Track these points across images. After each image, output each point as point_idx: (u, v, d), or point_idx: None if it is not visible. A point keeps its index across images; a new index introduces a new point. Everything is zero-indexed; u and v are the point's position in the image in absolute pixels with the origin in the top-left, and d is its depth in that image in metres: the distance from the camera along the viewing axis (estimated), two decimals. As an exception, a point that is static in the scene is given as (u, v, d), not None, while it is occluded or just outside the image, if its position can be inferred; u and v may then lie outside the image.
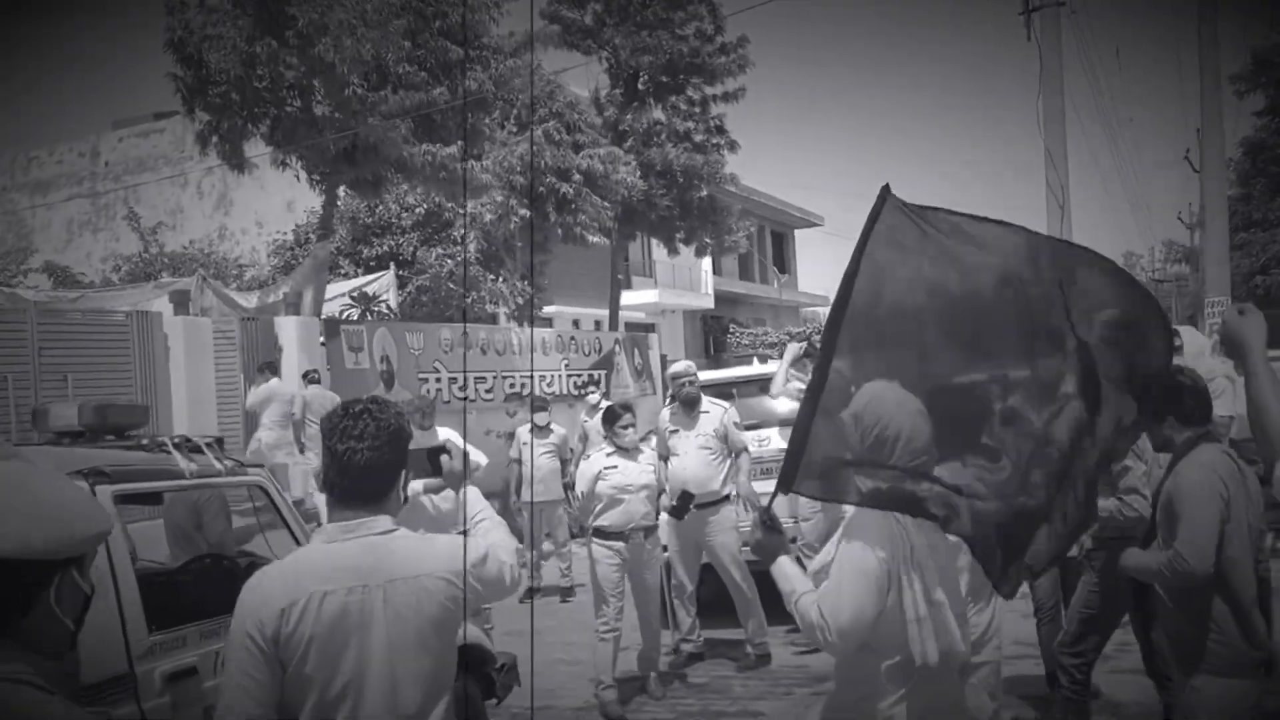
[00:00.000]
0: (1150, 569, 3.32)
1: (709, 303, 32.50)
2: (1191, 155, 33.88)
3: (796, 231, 42.06)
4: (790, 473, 2.69)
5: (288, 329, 13.07)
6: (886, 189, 2.72)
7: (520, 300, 18.05)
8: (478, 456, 7.50)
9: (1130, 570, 3.45)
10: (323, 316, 13.95)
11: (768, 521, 2.90)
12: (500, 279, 18.61)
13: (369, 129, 12.74)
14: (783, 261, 40.47)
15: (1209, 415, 3.43)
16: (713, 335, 32.91)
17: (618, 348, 19.45)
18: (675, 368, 7.35)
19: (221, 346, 12.57)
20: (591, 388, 11.20)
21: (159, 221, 24.56)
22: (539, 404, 10.18)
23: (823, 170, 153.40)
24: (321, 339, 13.23)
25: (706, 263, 31.25)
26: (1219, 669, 3.15)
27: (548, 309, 23.72)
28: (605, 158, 18.42)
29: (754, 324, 33.66)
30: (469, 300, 17.30)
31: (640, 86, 21.21)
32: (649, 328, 27.89)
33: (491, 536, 2.68)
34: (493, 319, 18.81)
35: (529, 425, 9.95)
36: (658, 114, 21.24)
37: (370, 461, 2.35)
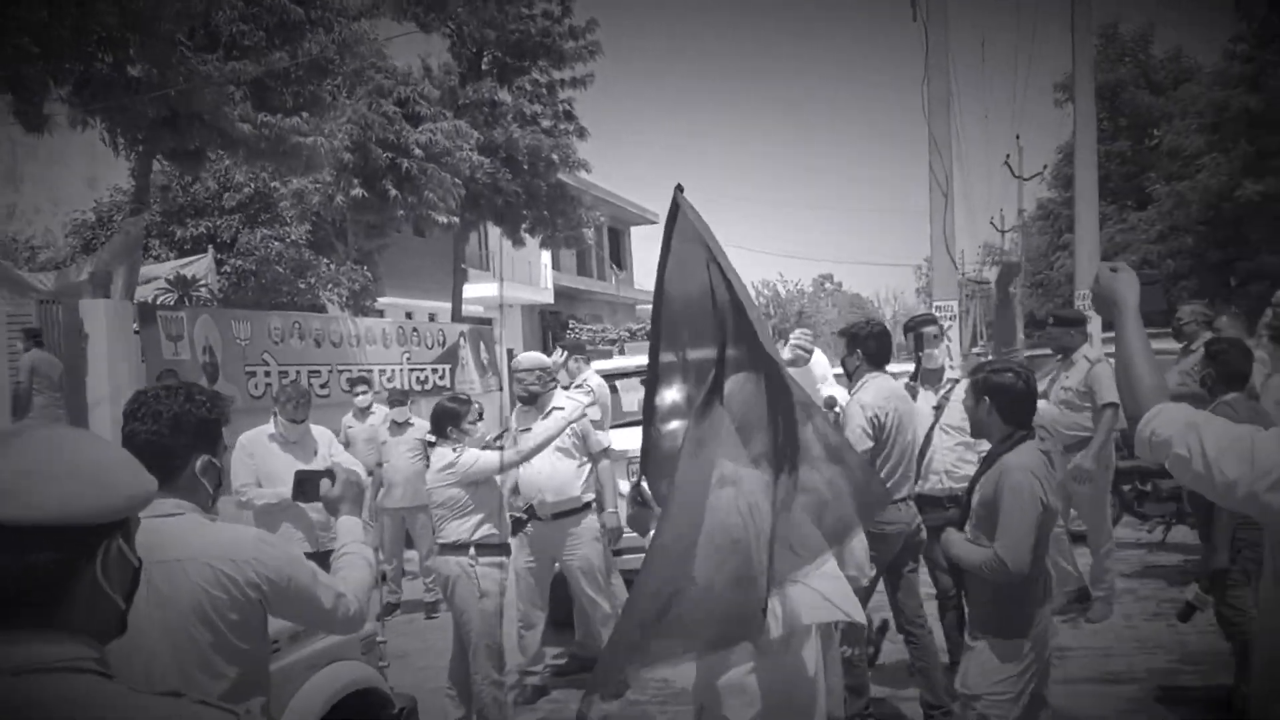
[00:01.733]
0: (971, 563, 3.55)
1: (549, 297, 31.66)
2: (1012, 161, 35.37)
3: (633, 228, 41.65)
4: (644, 462, 3.18)
5: (95, 313, 11.49)
6: (679, 190, 2.97)
7: (355, 287, 16.75)
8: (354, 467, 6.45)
9: (951, 557, 3.70)
10: (135, 301, 12.38)
11: (639, 498, 3.26)
12: (331, 264, 17.24)
13: (197, 98, 11.27)
14: (620, 258, 40.00)
15: (1031, 416, 3.66)
16: (551, 331, 32.07)
17: (463, 341, 18.39)
18: (520, 360, 6.38)
19: (16, 333, 10.90)
20: (361, 387, 9.79)
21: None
22: (398, 398, 9.16)
23: (665, 165, 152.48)
24: (135, 326, 11.75)
25: (546, 257, 30.43)
26: (1000, 632, 3.51)
27: (381, 300, 22.33)
28: (449, 132, 17.29)
29: (592, 320, 33.01)
30: (301, 286, 15.92)
31: (484, 66, 20.18)
32: (487, 322, 26.85)
33: (346, 571, 2.69)
34: (323, 307, 17.43)
35: (388, 423, 8.92)
36: (503, 95, 20.24)
37: (148, 443, 2.37)
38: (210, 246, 16.43)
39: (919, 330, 6.02)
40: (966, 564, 3.58)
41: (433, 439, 5.68)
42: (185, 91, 10.91)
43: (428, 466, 7.80)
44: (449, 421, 5.39)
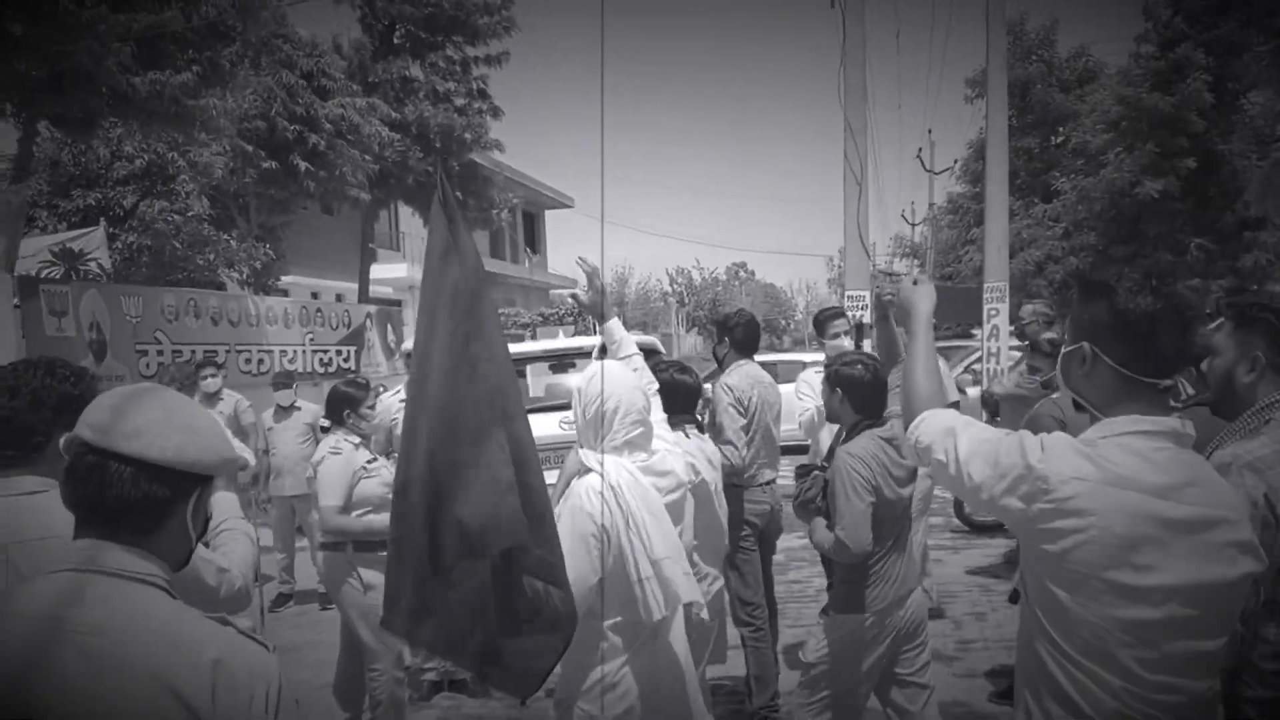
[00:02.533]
0: (824, 547, 3.76)
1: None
2: (924, 155, 35.89)
3: (548, 212, 41.25)
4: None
5: (-30, 285, 10.82)
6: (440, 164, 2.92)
7: (257, 264, 16.14)
8: (243, 453, 6.03)
9: (814, 544, 3.89)
10: (16, 274, 11.70)
11: None
12: (233, 240, 16.59)
13: (81, 52, 10.63)
14: (534, 241, 39.57)
15: (881, 407, 3.87)
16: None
17: (369, 322, 17.89)
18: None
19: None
20: (209, 370, 8.87)
21: None
22: (282, 381, 8.75)
23: (578, 148, 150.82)
24: (16, 300, 11.11)
25: (458, 238, 29.92)
26: (840, 608, 3.78)
27: (285, 279, 21.64)
28: (362, 109, 16.76)
29: (505, 304, 32.59)
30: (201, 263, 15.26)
31: (396, 40, 19.63)
32: (396, 303, 26.30)
33: (227, 546, 2.59)
34: (223, 285, 16.77)
35: (273, 408, 8.54)
36: (415, 71, 19.72)
37: (5, 419, 2.34)
38: (102, 219, 15.69)
39: (829, 323, 6.10)
40: (821, 548, 3.82)
41: (326, 424, 5.32)
42: (68, 49, 10.27)
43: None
44: (346, 406, 5.08)
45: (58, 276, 13.40)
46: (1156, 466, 1.93)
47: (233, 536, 2.63)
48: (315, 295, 23.14)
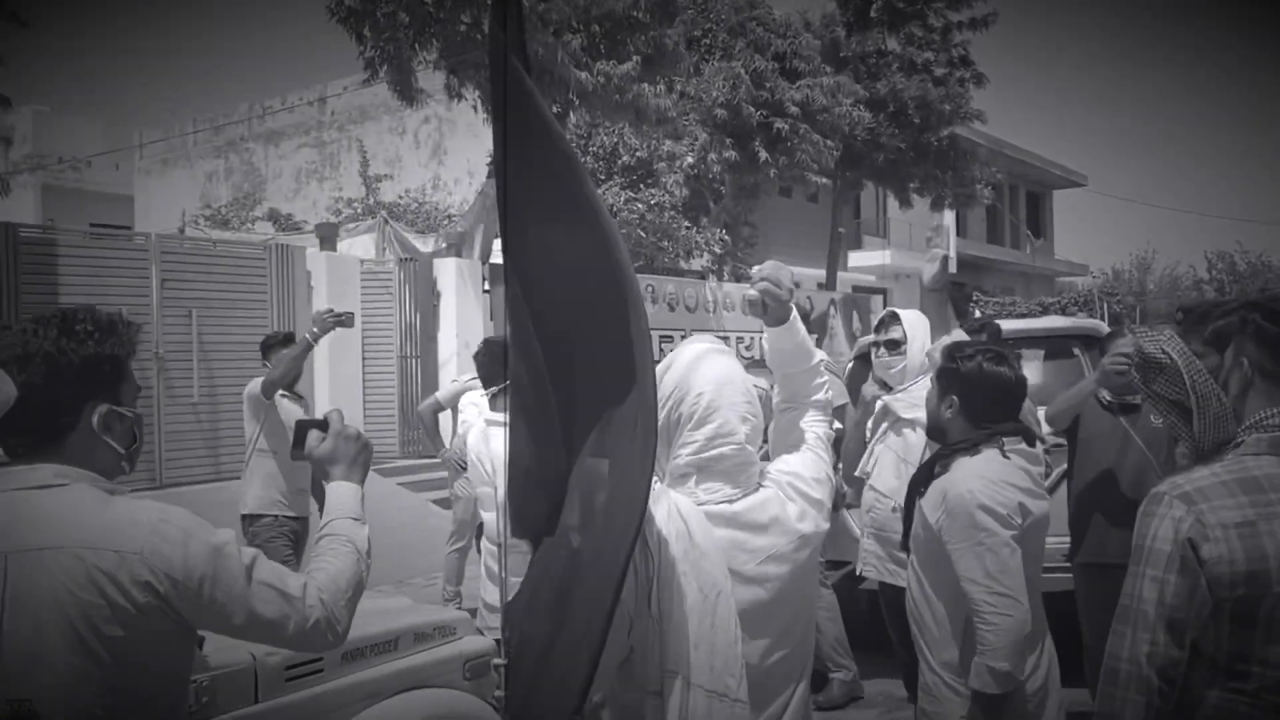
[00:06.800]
0: None
1: (951, 267, 29.46)
2: None
3: (1056, 192, 37.85)
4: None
5: (447, 271, 11.86)
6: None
7: (718, 250, 16.17)
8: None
9: None
10: (489, 262, 12.62)
11: None
12: (697, 228, 16.80)
13: (539, 45, 11.14)
14: (1038, 225, 36.46)
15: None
16: (955, 303, 29.79)
17: (833, 309, 17.35)
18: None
19: (372, 286, 11.46)
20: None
21: (384, 175, 24.08)
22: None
23: (1087, 120, 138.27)
24: (485, 285, 12.02)
25: (950, 221, 28.17)
26: None
27: (758, 268, 21.74)
28: (829, 88, 16.13)
29: (1002, 292, 30.26)
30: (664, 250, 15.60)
31: (873, 14, 18.71)
32: (880, 291, 25.42)
33: (322, 560, 1.93)
34: (701, 274, 17.10)
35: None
36: (892, 44, 18.68)
37: (20, 398, 1.75)
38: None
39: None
40: None
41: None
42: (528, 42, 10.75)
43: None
44: None
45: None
46: None
47: (331, 547, 1.95)
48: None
